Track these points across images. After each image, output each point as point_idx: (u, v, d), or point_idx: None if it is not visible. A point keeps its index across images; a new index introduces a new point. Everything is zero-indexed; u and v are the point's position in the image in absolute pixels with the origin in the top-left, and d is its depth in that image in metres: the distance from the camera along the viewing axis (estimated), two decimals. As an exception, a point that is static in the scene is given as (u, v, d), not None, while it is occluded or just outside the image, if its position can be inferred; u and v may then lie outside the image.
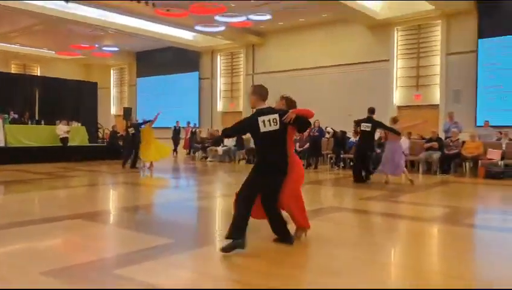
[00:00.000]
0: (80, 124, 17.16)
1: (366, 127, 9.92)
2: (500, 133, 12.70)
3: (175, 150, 20.04)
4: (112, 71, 30.45)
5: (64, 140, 15.34)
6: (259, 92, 4.44)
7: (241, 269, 3.88)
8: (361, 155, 10.31)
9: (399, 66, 17.90)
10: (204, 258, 4.26)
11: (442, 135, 13.45)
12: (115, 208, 7.42)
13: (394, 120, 10.14)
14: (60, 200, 8.00)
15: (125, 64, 29.14)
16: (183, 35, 22.27)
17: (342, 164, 13.69)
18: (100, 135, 19.88)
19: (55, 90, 17.63)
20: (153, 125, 13.29)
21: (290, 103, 4.76)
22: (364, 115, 10.20)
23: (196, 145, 18.57)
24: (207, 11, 17.07)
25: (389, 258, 4.38)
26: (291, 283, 3.50)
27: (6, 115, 15.20)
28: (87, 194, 8.84)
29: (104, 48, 25.14)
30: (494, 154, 11.33)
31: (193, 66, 24.83)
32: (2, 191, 9.20)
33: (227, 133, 4.68)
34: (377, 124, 9.93)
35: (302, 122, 4.42)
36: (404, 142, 12.59)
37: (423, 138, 13.52)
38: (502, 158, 11.29)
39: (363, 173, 10.21)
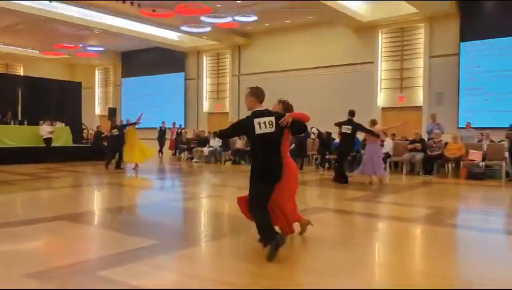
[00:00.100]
0: (63, 125, 16.97)
1: (346, 129, 10.12)
2: (482, 134, 12.94)
3: (160, 150, 19.96)
4: (96, 71, 30.18)
5: (48, 140, 15.16)
6: (257, 93, 4.46)
7: (228, 269, 3.89)
8: (343, 156, 10.59)
9: (383, 68, 18.10)
10: (190, 259, 4.26)
11: (425, 136, 13.64)
12: (99, 209, 7.36)
13: (373, 122, 10.42)
14: (44, 202, 7.91)
15: (110, 64, 28.91)
16: (169, 36, 22.19)
17: (327, 165, 13.79)
18: (84, 136, 19.68)
19: (39, 90, 17.39)
20: (137, 126, 13.21)
21: (287, 106, 4.81)
22: (350, 116, 10.41)
23: (182, 146, 18.51)
24: (193, 11, 17.05)
25: (373, 258, 4.43)
26: (278, 284, 3.51)
27: (-12, 115, 14.98)
28: (71, 195, 8.75)
29: (89, 48, 24.91)
30: (476, 156, 11.53)
31: (179, 66, 24.76)
32: (-17, 193, 9.05)
33: (225, 134, 4.72)
34: (357, 126, 10.17)
35: (299, 126, 4.43)
36: (388, 143, 12.78)
37: (407, 139, 13.70)
38: (483, 159, 11.49)
39: (341, 174, 10.44)
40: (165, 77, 25.26)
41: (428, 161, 12.14)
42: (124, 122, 13.81)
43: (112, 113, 21.38)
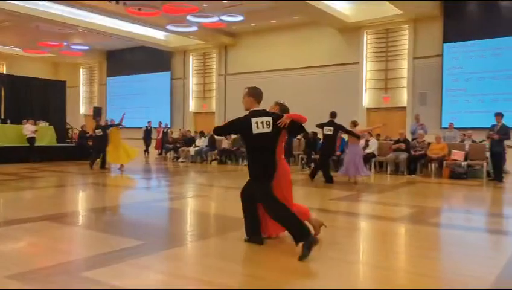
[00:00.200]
0: (47, 124, 16.78)
1: (328, 130, 10.27)
2: (464, 135, 13.15)
3: (146, 150, 19.87)
4: (81, 70, 29.88)
5: (31, 140, 14.97)
6: (255, 93, 4.49)
7: (213, 270, 3.88)
8: (326, 157, 10.78)
9: (368, 69, 18.28)
10: (175, 259, 4.26)
11: (409, 137, 13.82)
12: (83, 210, 7.30)
13: (354, 124, 10.59)
14: (27, 202, 7.83)
15: (95, 63, 28.65)
16: (155, 35, 22.09)
17: (312, 165, 13.85)
18: (69, 135, 19.48)
19: (22, 88, 17.17)
20: (121, 126, 13.15)
21: (284, 108, 4.84)
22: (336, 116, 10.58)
23: (168, 145, 18.45)
24: (179, 11, 17.01)
25: (357, 257, 4.47)
26: (263, 284, 3.53)
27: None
28: (55, 195, 8.67)
29: (73, 46, 24.65)
30: (458, 156, 11.72)
31: (165, 65, 24.66)
32: (-35, 193, 8.92)
33: (219, 131, 4.73)
34: (339, 127, 10.30)
35: (296, 127, 4.48)
36: (373, 143, 12.92)
37: (391, 140, 13.87)
38: (465, 159, 11.70)
39: (316, 172, 10.70)
40: (151, 76, 25.13)
41: (412, 161, 12.30)
42: (109, 123, 13.71)
43: (97, 112, 21.21)
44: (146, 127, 20.25)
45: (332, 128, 10.24)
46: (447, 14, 16.20)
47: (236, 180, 11.45)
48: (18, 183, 10.02)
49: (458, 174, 11.37)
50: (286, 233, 4.82)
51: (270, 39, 20.37)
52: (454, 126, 14.04)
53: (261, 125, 4.32)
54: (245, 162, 15.31)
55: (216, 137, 16.87)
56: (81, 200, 8.51)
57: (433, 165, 12.10)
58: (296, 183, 10.87)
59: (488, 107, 14.47)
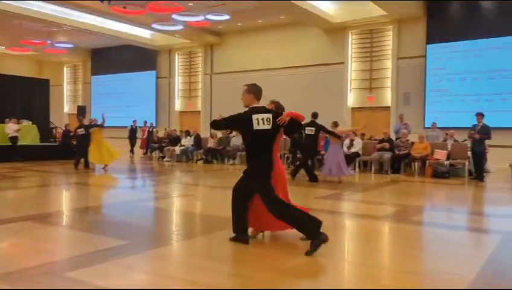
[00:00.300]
0: (30, 123, 16.56)
1: (310, 131, 10.41)
2: (447, 134, 13.35)
3: (132, 150, 19.75)
4: (65, 68, 29.53)
5: (14, 139, 14.76)
6: (255, 90, 4.51)
7: (199, 269, 3.88)
8: (308, 157, 10.99)
9: (353, 69, 18.42)
10: (160, 259, 4.25)
11: (393, 136, 13.99)
12: (67, 209, 7.23)
13: (335, 124, 10.78)
14: (10, 202, 7.73)
15: (79, 61, 28.35)
16: (140, 34, 21.94)
17: (298, 164, 13.93)
18: (53, 134, 19.24)
19: (5, 87, 16.88)
20: (105, 125, 13.06)
21: (279, 107, 4.89)
22: (321, 116, 10.73)
23: (153, 144, 18.36)
24: (165, 9, 16.93)
25: (342, 255, 4.51)
26: (249, 283, 3.53)
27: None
28: (38, 195, 8.59)
29: (57, 45, 24.34)
30: (441, 155, 11.90)
31: (150, 64, 24.51)
32: None
33: (218, 125, 4.71)
34: (320, 128, 10.44)
35: (295, 125, 4.51)
36: (358, 143, 13.05)
37: (375, 139, 14.02)
38: (448, 158, 11.88)
39: (297, 171, 10.81)
40: (136, 75, 24.96)
41: (396, 160, 12.46)
42: (93, 122, 13.59)
43: (81, 111, 21.00)
44: (131, 126, 20.11)
45: (313, 128, 10.41)
46: (430, 15, 16.42)
47: (222, 179, 11.47)
48: (1, 183, 9.87)
49: (441, 173, 11.56)
50: (276, 231, 4.86)
51: (256, 39, 20.40)
52: (437, 126, 14.25)
53: (261, 122, 4.33)
54: (231, 161, 15.33)
55: (202, 136, 16.86)
56: (64, 200, 8.44)
57: (416, 164, 12.26)
58: (282, 182, 10.96)
59: (470, 107, 14.72)
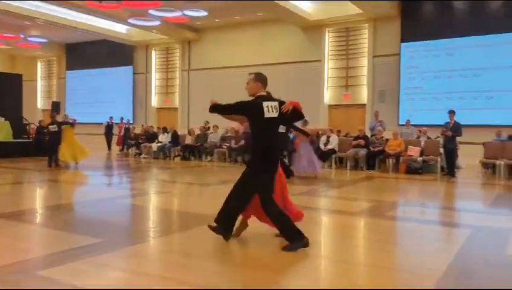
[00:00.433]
0: (3, 119, 16.16)
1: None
2: (420, 131, 13.64)
3: (109, 146, 19.51)
4: (39, 63, 28.88)
5: (-15, 136, 14.40)
6: (262, 79, 4.47)
7: (176, 266, 3.89)
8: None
9: (330, 67, 18.59)
10: (137, 256, 4.21)
11: (368, 133, 14.20)
12: (41, 207, 7.12)
13: (304, 122, 10.89)
14: (-19, 200, 7.56)
15: (54, 56, 27.76)
16: (116, 28, 21.62)
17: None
18: (27, 130, 18.82)
19: (-25, 82, 16.47)
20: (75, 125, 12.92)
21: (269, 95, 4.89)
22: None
23: (129, 141, 18.17)
24: (140, 4, 16.73)
25: (319, 251, 4.53)
26: (226, 280, 3.54)
27: None
28: (11, 193, 8.42)
29: (31, 39, 23.76)
30: (414, 151, 12.16)
31: (127, 60, 24.20)
32: None
33: (223, 109, 4.51)
34: (290, 126, 10.54)
35: (296, 114, 4.49)
36: (334, 140, 13.22)
37: (351, 136, 14.22)
38: (421, 155, 12.15)
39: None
40: (113, 70, 24.61)
41: (371, 157, 12.67)
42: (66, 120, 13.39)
43: (56, 107, 20.57)
44: (107, 122, 19.86)
45: (284, 126, 10.47)
46: (404, 15, 16.71)
47: (200, 176, 11.44)
48: (-29, 180, 9.65)
49: (414, 169, 11.83)
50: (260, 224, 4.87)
51: (234, 35, 20.37)
52: (411, 123, 14.55)
53: (271, 110, 4.29)
54: (208, 158, 15.31)
55: (179, 133, 16.78)
56: (39, 197, 8.31)
57: (390, 160, 12.49)
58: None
59: (442, 105, 15.04)
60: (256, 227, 4.98)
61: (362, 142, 12.88)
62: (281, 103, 4.38)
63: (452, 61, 15.92)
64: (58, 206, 6.96)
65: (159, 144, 16.39)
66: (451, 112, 11.17)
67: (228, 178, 10.59)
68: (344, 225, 5.89)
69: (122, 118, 20.18)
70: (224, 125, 15.52)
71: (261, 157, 4.32)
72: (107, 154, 18.13)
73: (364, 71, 17.81)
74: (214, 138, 15.69)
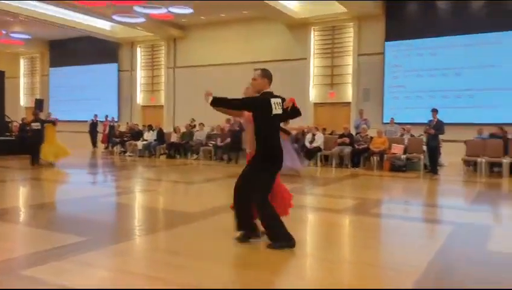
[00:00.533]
0: (-16, 117, 15.91)
1: None
2: (404, 129, 13.81)
3: (94, 144, 19.34)
4: (21, 60, 28.41)
5: (-34, 133, 14.14)
6: (269, 75, 4.43)
7: (161, 265, 3.88)
8: None
9: (315, 65, 18.67)
10: (121, 255, 4.20)
11: (353, 131, 14.34)
12: (24, 206, 7.04)
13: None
14: (-38, 199, 7.45)
15: (37, 53, 27.33)
16: (100, 25, 21.38)
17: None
18: (10, 128, 18.52)
19: (-45, 79, 16.15)
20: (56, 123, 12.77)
21: None
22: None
23: (114, 139, 18.03)
24: (126, 1, 16.58)
25: (303, 249, 4.53)
26: (212, 279, 3.54)
27: None
28: (-7, 192, 8.30)
29: (13, 35, 23.35)
30: (398, 149, 12.33)
31: (112, 57, 23.95)
32: None
33: (229, 104, 4.37)
34: None
35: (296, 110, 4.51)
36: (319, 138, 13.31)
37: (336, 134, 14.33)
38: (405, 152, 12.32)
39: None
40: (97, 67, 24.32)
41: (356, 154, 12.80)
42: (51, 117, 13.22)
43: (39, 105, 20.28)
44: (92, 120, 19.67)
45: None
46: (388, 14, 16.87)
47: (185, 174, 11.42)
48: (-49, 179, 9.48)
49: (398, 167, 11.99)
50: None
51: (219, 33, 20.32)
52: (395, 121, 14.71)
53: (277, 106, 4.30)
54: (194, 156, 15.28)
55: (165, 131, 16.70)
56: (22, 195, 8.20)
57: (375, 158, 12.63)
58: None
59: (426, 104, 15.21)
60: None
61: (347, 140, 12.99)
62: (283, 100, 4.42)
63: (435, 60, 16.13)
64: (42, 205, 6.89)
65: (145, 142, 16.30)
66: (434, 111, 11.33)
67: (214, 176, 10.60)
68: (329, 223, 5.95)
69: (107, 116, 20.00)
70: (210, 123, 15.51)
71: (266, 155, 4.33)
72: (91, 152, 17.96)
73: (350, 70, 17.93)
74: (199, 135, 15.66)
